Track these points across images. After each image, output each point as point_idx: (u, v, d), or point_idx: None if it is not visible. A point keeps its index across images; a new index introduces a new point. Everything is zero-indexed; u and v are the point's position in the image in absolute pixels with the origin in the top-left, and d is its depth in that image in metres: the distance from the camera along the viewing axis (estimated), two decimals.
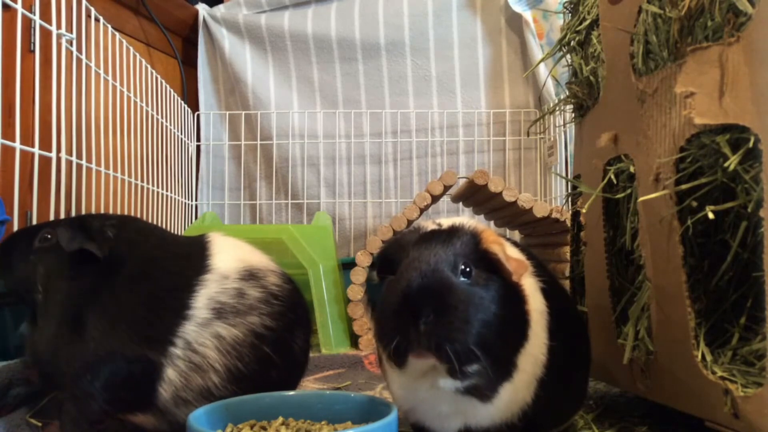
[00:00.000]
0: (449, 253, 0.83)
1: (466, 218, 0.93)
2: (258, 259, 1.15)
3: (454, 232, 0.87)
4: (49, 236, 1.11)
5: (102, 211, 1.98)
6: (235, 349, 1.03)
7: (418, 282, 0.80)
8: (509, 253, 0.88)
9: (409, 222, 2.16)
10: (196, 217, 2.97)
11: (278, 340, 1.08)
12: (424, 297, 0.79)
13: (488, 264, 0.84)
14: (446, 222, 0.92)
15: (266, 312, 1.08)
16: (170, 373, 1.01)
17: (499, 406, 0.86)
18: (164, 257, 1.11)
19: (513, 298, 0.85)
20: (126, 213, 2.18)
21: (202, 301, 1.04)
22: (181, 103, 2.84)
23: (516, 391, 0.86)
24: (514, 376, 0.85)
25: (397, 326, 0.80)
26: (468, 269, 0.83)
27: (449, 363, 0.78)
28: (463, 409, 0.87)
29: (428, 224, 0.93)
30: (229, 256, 1.11)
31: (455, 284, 0.81)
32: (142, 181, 2.34)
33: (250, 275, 1.10)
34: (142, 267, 1.08)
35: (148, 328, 1.02)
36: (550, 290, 0.96)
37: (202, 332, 1.02)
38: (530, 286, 0.90)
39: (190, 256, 1.11)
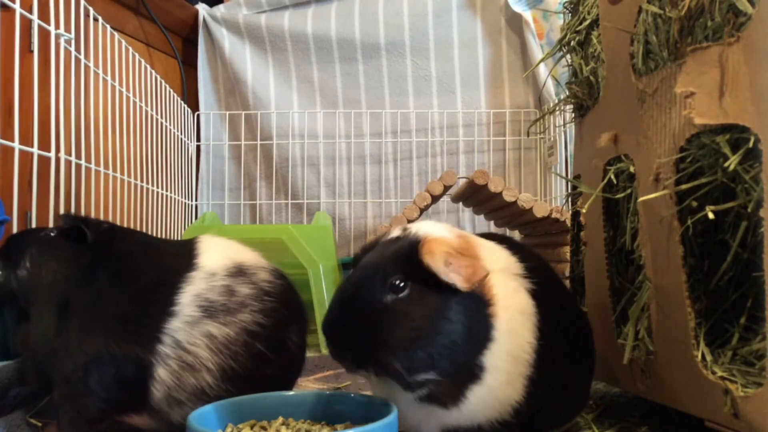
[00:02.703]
0: (382, 266, 0.86)
1: (426, 223, 0.94)
2: (247, 256, 1.14)
3: (395, 243, 0.90)
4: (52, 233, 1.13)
5: (102, 211, 1.98)
6: (228, 348, 1.03)
7: (334, 312, 0.87)
8: (467, 260, 0.86)
9: (410, 222, 2.16)
10: (196, 217, 2.97)
11: (272, 337, 1.08)
12: (337, 327, 0.86)
13: (430, 273, 0.85)
14: (413, 228, 0.93)
15: (258, 309, 1.07)
16: (162, 372, 1.01)
17: (472, 408, 0.87)
18: (151, 255, 1.12)
19: (466, 304, 0.85)
20: (126, 213, 2.18)
21: (187, 298, 1.03)
22: (181, 103, 2.84)
23: (492, 391, 0.87)
24: (483, 377, 0.86)
25: (330, 348, 0.87)
26: (400, 283, 0.84)
27: (395, 378, 0.83)
28: (435, 414, 0.89)
29: (395, 230, 0.94)
30: (217, 254, 1.11)
31: (375, 305, 0.84)
32: (142, 181, 2.34)
33: (239, 272, 1.09)
34: (129, 264, 1.09)
35: (133, 324, 1.02)
36: (544, 291, 0.95)
37: (192, 331, 1.02)
38: (508, 288, 0.91)
39: (177, 255, 1.11)
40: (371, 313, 0.84)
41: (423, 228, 0.91)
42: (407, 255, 0.86)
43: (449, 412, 0.87)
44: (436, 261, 0.84)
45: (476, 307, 0.86)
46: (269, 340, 1.07)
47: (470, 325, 0.85)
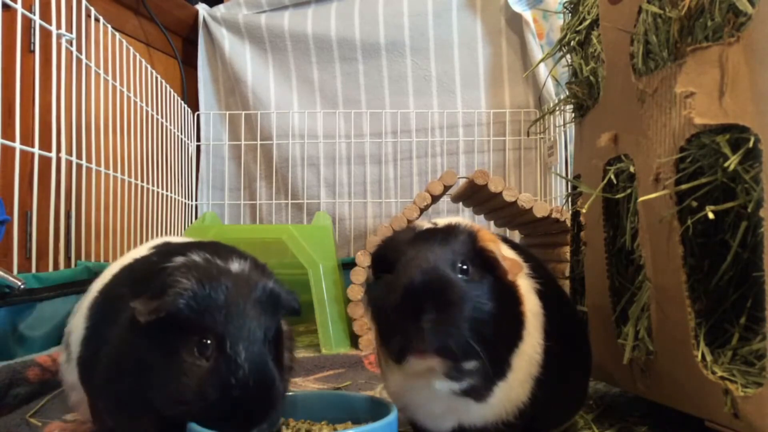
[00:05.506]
0: (447, 250, 0.83)
1: (461, 218, 0.94)
2: None
3: (450, 230, 0.88)
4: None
5: (102, 211, 1.98)
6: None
7: (420, 279, 0.79)
8: (505, 253, 0.88)
9: (410, 222, 2.16)
10: (196, 217, 2.97)
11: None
12: (426, 293, 0.78)
13: (484, 263, 0.85)
14: (441, 221, 0.92)
15: None
16: None
17: (492, 406, 0.87)
18: None
19: (508, 297, 0.86)
20: (126, 213, 2.18)
21: None
22: (181, 103, 2.85)
23: (510, 390, 0.87)
24: (508, 376, 0.86)
25: (399, 323, 0.80)
26: (465, 267, 0.83)
27: (452, 359, 0.79)
28: (456, 409, 0.87)
29: (423, 223, 0.93)
30: None
31: (455, 281, 0.81)
32: (142, 181, 2.34)
33: None
34: None
35: None
36: (548, 291, 0.96)
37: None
38: (525, 287, 0.91)
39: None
40: (454, 289, 0.80)
41: (463, 221, 0.91)
42: (465, 242, 0.85)
43: (469, 409, 0.87)
44: (494, 248, 0.84)
45: (513, 302, 0.86)
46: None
47: (510, 320, 0.85)
